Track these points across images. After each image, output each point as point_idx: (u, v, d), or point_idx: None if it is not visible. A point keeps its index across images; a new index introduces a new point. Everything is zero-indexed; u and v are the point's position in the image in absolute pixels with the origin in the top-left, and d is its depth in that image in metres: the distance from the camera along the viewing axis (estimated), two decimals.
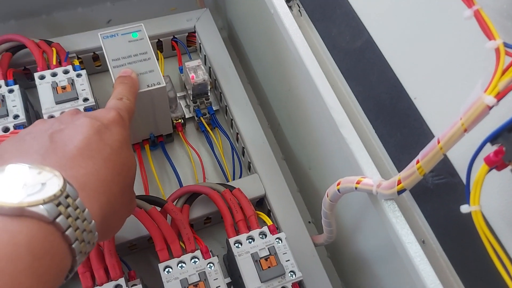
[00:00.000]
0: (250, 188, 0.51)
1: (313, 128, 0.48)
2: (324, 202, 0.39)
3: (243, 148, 0.56)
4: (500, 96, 0.26)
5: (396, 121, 0.36)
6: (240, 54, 0.69)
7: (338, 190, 0.36)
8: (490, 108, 0.26)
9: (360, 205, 0.41)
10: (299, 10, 0.44)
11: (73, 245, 0.26)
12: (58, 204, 0.25)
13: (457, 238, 0.33)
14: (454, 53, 0.31)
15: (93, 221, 0.28)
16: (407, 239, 0.33)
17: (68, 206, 0.26)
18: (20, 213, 0.24)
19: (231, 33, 0.70)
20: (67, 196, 0.26)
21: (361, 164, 0.35)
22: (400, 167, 0.36)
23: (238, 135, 0.56)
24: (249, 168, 0.56)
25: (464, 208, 0.27)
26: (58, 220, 0.25)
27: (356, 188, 0.34)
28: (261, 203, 0.54)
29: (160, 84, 0.47)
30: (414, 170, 0.30)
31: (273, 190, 0.52)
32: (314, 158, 0.51)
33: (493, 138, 0.25)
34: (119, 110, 0.38)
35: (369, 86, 0.38)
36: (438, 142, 0.28)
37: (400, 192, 0.32)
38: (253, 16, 0.57)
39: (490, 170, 0.26)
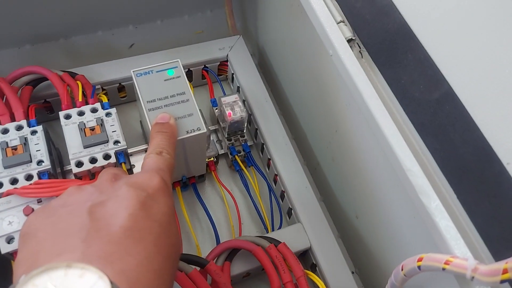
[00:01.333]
0: (294, 240, 0.46)
1: (370, 181, 0.43)
2: (396, 275, 0.34)
3: (282, 191, 0.51)
4: None
5: (484, 188, 0.32)
6: (272, 84, 0.64)
7: (419, 267, 0.31)
8: None
9: (432, 279, 0.36)
10: (359, 51, 0.39)
11: None
12: None
13: None
14: None
15: None
16: None
17: None
18: None
19: (262, 60, 0.65)
20: None
21: (448, 241, 0.30)
22: (490, 242, 0.31)
23: (277, 177, 0.52)
24: (289, 214, 0.51)
25: None
26: None
27: (443, 269, 0.30)
28: (303, 255, 0.49)
29: (200, 130, 0.42)
30: None
31: (318, 242, 0.47)
32: (365, 209, 0.47)
33: None
34: (161, 173, 0.34)
35: (449, 145, 0.34)
36: None
37: (503, 281, 0.27)
38: (296, 49, 0.52)
39: None
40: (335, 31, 0.39)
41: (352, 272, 0.53)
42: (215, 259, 0.43)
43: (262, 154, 0.55)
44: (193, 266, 0.40)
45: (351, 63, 0.38)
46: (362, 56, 0.40)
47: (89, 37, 0.64)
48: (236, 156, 0.54)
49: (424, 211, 0.32)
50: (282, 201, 0.52)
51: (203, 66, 0.58)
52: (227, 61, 0.58)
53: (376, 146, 0.39)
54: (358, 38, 0.40)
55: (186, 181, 0.51)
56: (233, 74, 0.58)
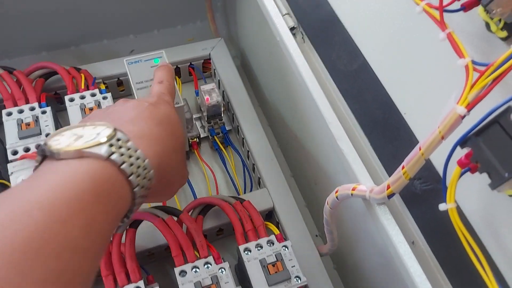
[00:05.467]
0: (260, 201, 0.55)
1: (316, 145, 0.52)
2: (325, 210, 0.42)
3: (254, 164, 0.60)
4: (470, 106, 0.29)
5: (388, 134, 0.40)
6: (252, 80, 0.74)
7: (337, 197, 0.40)
8: (463, 117, 0.30)
9: (359, 215, 0.44)
10: (302, 38, 0.49)
11: (130, 178, 0.30)
12: (111, 146, 0.30)
13: (443, 238, 0.36)
14: (436, 72, 0.35)
15: (146, 159, 0.32)
16: (397, 239, 0.36)
17: (120, 147, 0.30)
18: (79, 155, 0.29)
19: (244, 61, 0.75)
20: (118, 139, 0.31)
21: (356, 173, 0.39)
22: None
23: (249, 153, 0.61)
24: (259, 183, 0.60)
25: (441, 206, 0.30)
26: (112, 157, 0.29)
27: (352, 194, 0.38)
28: (270, 216, 0.57)
29: (178, 103, 0.52)
30: (400, 175, 0.33)
31: (281, 203, 0.56)
32: (319, 173, 0.55)
33: (462, 142, 0.29)
34: (161, 95, 0.43)
35: (364, 104, 0.42)
36: (420, 149, 0.32)
37: (390, 196, 0.35)
38: (262, 45, 0.62)
39: (464, 172, 0.30)
40: (280, 22, 0.48)
41: (316, 235, 0.62)
42: (190, 212, 0.52)
43: (238, 135, 0.64)
44: (170, 215, 0.49)
45: (291, 46, 0.47)
46: (304, 41, 0.49)
47: (95, 44, 0.75)
48: (215, 137, 0.63)
49: (340, 153, 0.41)
50: (254, 172, 0.61)
51: (189, 63, 0.68)
52: (209, 59, 0.68)
53: (314, 114, 0.47)
54: (301, 27, 0.49)
55: None
56: (214, 69, 0.68)
